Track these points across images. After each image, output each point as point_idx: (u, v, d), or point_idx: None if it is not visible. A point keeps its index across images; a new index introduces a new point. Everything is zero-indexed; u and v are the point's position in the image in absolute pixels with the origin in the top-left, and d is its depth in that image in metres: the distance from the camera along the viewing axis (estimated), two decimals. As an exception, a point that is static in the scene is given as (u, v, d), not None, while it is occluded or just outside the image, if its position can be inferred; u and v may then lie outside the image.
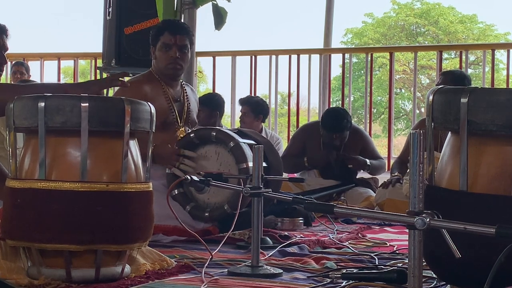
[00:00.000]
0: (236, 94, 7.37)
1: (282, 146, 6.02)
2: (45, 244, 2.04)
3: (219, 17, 5.78)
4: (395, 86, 21.34)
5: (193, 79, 5.96)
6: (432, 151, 2.02)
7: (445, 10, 25.38)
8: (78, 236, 2.04)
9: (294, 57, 7.15)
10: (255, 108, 6.01)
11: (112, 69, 5.72)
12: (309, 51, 7.30)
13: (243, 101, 6.10)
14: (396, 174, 4.83)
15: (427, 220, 1.52)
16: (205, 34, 5.94)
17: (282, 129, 8.29)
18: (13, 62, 7.41)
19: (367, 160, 5.04)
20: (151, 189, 2.22)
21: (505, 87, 6.63)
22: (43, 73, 7.87)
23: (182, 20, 5.45)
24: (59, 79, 8.04)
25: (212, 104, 5.25)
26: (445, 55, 17.68)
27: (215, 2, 5.80)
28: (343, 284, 2.16)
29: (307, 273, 2.40)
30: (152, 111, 2.21)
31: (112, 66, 5.73)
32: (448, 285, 2.09)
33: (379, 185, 5.12)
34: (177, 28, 3.58)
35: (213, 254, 2.51)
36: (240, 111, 6.10)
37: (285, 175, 4.99)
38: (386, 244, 3.21)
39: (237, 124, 6.88)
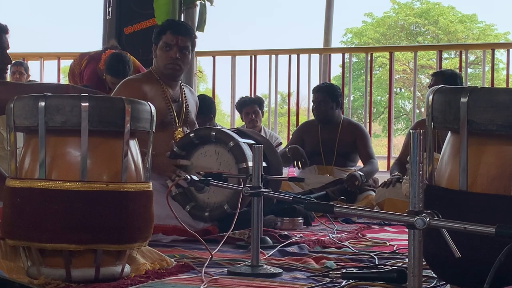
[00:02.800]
0: (236, 94, 7.38)
1: (282, 146, 6.03)
2: (45, 244, 2.04)
3: (200, 17, 5.79)
4: (395, 85, 21.36)
5: (193, 79, 5.97)
6: (432, 150, 2.02)
7: (445, 9, 25.40)
8: (78, 235, 2.04)
9: (294, 56, 7.15)
10: (261, 104, 6.12)
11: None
12: (309, 51, 7.30)
13: (252, 101, 6.12)
14: (396, 173, 4.84)
15: (427, 219, 1.52)
16: (205, 34, 5.95)
17: (282, 129, 8.29)
18: (13, 62, 7.41)
19: (358, 173, 4.95)
20: (151, 189, 2.22)
21: (505, 86, 6.63)
22: (43, 73, 7.87)
23: (182, 20, 5.45)
24: (59, 79, 8.05)
25: (204, 109, 5.20)
26: (445, 55, 17.69)
27: (203, 2, 5.80)
28: (343, 283, 2.16)
29: (307, 272, 2.40)
30: (152, 110, 2.21)
31: (112, 65, 5.73)
32: (448, 285, 2.09)
33: (379, 185, 5.13)
34: (180, 29, 3.58)
35: (213, 253, 2.51)
36: (249, 112, 6.08)
37: (285, 173, 5.01)
38: (386, 243, 3.21)
39: (237, 125, 6.89)
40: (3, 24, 2.77)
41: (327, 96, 5.20)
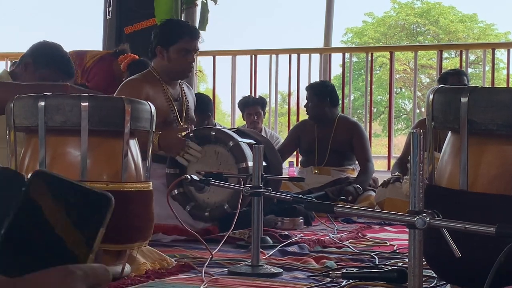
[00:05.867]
0: (236, 94, 7.37)
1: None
2: (45, 244, 2.04)
3: (202, 16, 5.78)
4: (395, 85, 21.36)
5: (193, 79, 5.96)
6: (432, 150, 2.02)
7: (445, 9, 25.40)
8: (78, 235, 2.03)
9: (294, 56, 7.15)
10: (263, 105, 6.12)
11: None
12: (309, 51, 7.30)
13: (255, 102, 6.13)
14: (396, 174, 4.83)
15: (427, 219, 1.51)
16: (205, 33, 5.95)
17: (282, 129, 8.28)
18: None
19: (352, 187, 4.89)
20: (151, 188, 2.22)
21: (505, 86, 6.62)
22: (43, 73, 7.87)
23: (183, 20, 5.45)
24: (59, 79, 8.03)
25: (201, 108, 5.17)
26: (445, 55, 17.69)
27: (205, 1, 5.79)
28: (343, 283, 2.16)
29: (307, 272, 2.40)
30: (152, 110, 2.21)
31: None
32: (448, 285, 2.09)
33: (379, 185, 5.12)
34: (196, 34, 3.62)
35: (213, 253, 2.51)
36: (251, 113, 6.09)
37: (284, 173, 5.00)
38: (386, 243, 3.21)
39: (238, 124, 6.88)
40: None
41: (313, 94, 5.21)
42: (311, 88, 5.31)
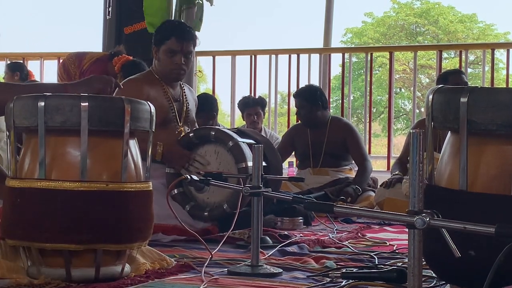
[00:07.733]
0: (236, 94, 7.37)
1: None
2: (45, 244, 2.04)
3: (196, 17, 5.78)
4: (395, 85, 21.35)
5: (193, 79, 5.97)
6: (432, 150, 2.02)
7: (445, 9, 25.39)
8: (78, 235, 2.04)
9: (294, 56, 7.15)
10: (263, 106, 6.13)
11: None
12: (309, 51, 7.30)
13: (255, 102, 6.14)
14: (397, 173, 4.83)
15: (427, 219, 1.52)
16: (205, 33, 5.96)
17: (282, 129, 8.27)
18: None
19: (351, 189, 4.89)
20: (151, 188, 2.22)
21: (505, 86, 6.63)
22: (43, 73, 7.87)
23: (182, 20, 5.45)
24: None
25: (207, 107, 5.16)
26: (444, 55, 17.67)
27: (201, 2, 5.79)
28: (343, 283, 2.16)
29: (307, 272, 2.40)
30: (152, 110, 2.21)
31: (111, 65, 5.72)
32: (448, 285, 2.09)
33: (379, 185, 5.12)
34: (184, 35, 3.53)
35: (213, 253, 2.51)
36: (251, 113, 6.10)
37: (284, 173, 4.99)
38: (386, 243, 3.22)
39: (237, 124, 6.88)
40: None
41: (303, 100, 5.15)
42: (300, 94, 5.22)
